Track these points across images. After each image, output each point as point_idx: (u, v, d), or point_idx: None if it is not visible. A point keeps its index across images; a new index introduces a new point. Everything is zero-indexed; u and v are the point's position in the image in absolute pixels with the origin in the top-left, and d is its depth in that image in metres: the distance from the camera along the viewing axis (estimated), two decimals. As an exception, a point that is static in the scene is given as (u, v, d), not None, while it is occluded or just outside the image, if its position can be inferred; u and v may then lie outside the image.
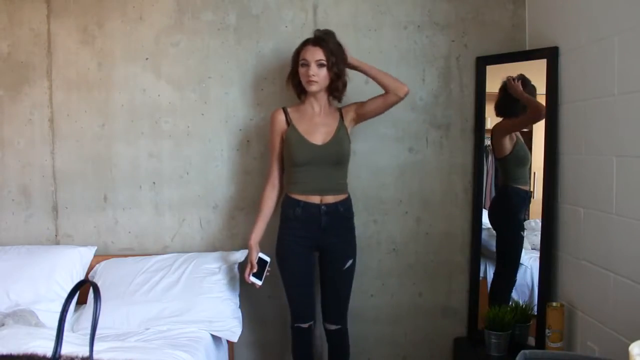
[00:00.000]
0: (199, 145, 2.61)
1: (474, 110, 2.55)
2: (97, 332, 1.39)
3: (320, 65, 2.15)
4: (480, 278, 2.55)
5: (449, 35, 2.54)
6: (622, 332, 1.79)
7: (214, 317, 2.29)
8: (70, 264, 2.45)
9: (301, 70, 2.20)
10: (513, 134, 2.45)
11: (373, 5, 2.55)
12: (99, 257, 2.57)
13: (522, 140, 2.43)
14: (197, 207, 2.63)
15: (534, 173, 2.35)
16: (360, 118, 2.30)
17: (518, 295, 2.44)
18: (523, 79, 2.36)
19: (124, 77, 2.60)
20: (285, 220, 2.26)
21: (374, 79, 2.24)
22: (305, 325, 2.29)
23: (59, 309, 1.38)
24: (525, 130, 2.43)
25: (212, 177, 2.62)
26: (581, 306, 2.08)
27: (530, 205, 2.42)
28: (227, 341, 2.41)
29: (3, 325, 2.04)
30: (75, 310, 2.42)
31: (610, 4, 1.86)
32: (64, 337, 1.39)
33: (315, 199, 2.21)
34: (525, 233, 2.44)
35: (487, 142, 2.53)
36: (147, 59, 2.59)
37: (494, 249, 2.54)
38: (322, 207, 2.20)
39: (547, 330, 2.15)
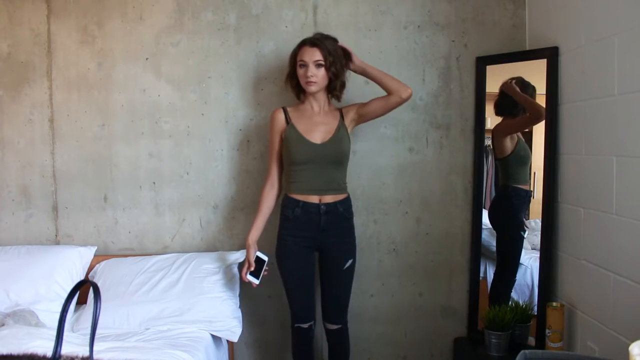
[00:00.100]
0: (199, 145, 2.61)
1: (474, 110, 2.56)
2: (97, 332, 1.40)
3: (319, 66, 2.16)
4: (480, 278, 2.55)
5: (449, 35, 2.54)
6: (622, 332, 1.79)
7: (214, 317, 2.29)
8: (70, 264, 2.46)
9: (299, 71, 2.20)
10: (514, 134, 2.45)
11: (373, 5, 2.55)
12: (99, 257, 2.57)
13: (523, 140, 2.43)
14: (197, 207, 2.63)
15: (534, 173, 2.35)
16: (361, 119, 2.30)
17: (518, 295, 2.44)
18: (522, 81, 2.36)
19: (124, 77, 2.60)
20: (285, 220, 2.26)
21: (378, 81, 2.24)
22: (306, 326, 2.29)
23: (59, 309, 1.38)
24: (525, 130, 2.43)
25: (212, 177, 2.62)
26: (581, 306, 2.08)
27: (530, 205, 2.42)
28: (227, 341, 2.41)
29: (3, 325, 2.04)
30: (75, 310, 2.42)
31: (610, 4, 1.86)
32: (64, 337, 1.39)
33: (314, 199, 2.21)
34: (526, 233, 2.44)
35: (487, 142, 2.53)
36: (147, 59, 2.59)
37: (494, 249, 2.54)
38: (322, 206, 2.20)
39: (547, 330, 2.15)
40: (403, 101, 2.22)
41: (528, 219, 2.45)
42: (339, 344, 2.34)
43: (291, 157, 2.21)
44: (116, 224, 2.65)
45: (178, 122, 2.61)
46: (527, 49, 2.50)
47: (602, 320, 1.92)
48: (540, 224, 2.29)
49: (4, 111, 2.64)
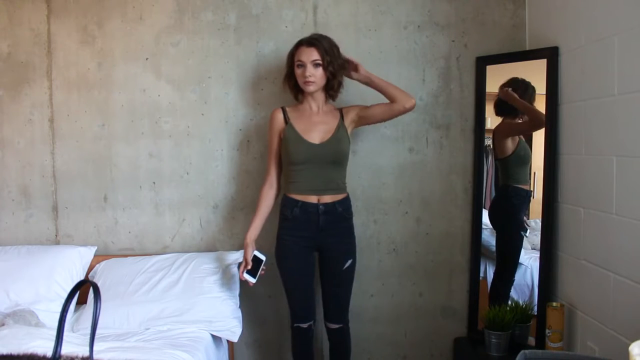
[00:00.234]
0: (199, 145, 2.61)
1: (474, 110, 2.56)
2: (97, 332, 1.40)
3: (316, 65, 2.16)
4: (480, 278, 2.55)
5: (449, 35, 2.54)
6: (622, 332, 1.79)
7: (213, 317, 2.29)
8: (70, 264, 2.46)
9: (297, 71, 2.20)
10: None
11: (373, 5, 2.55)
12: (99, 257, 2.57)
13: (524, 140, 2.43)
14: (197, 207, 2.63)
15: (534, 173, 2.35)
16: (362, 121, 2.30)
17: (518, 295, 2.44)
18: (523, 84, 2.35)
19: (124, 77, 2.60)
20: (284, 220, 2.26)
21: (383, 90, 2.24)
22: (305, 325, 2.29)
23: (59, 309, 1.38)
24: (526, 134, 2.43)
25: (212, 177, 2.62)
26: (581, 306, 2.08)
27: (530, 205, 2.42)
28: (227, 341, 2.41)
29: (3, 325, 2.04)
30: (75, 310, 2.43)
31: (610, 4, 1.86)
32: (64, 337, 1.39)
33: (312, 199, 2.21)
34: (527, 232, 2.44)
35: (487, 142, 2.53)
36: (147, 59, 2.59)
37: (494, 248, 2.54)
38: (320, 206, 2.20)
39: (547, 330, 2.15)
40: (406, 111, 2.22)
41: (528, 219, 2.45)
42: (340, 343, 2.34)
43: (290, 157, 2.21)
44: (116, 224, 2.65)
45: (178, 122, 2.61)
46: (527, 49, 2.50)
47: (602, 320, 1.92)
48: (540, 224, 2.29)
49: (4, 111, 2.64)
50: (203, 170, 2.62)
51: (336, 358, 2.35)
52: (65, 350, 1.44)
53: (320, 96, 2.25)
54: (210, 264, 2.44)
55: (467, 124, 2.57)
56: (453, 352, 2.61)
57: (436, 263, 2.62)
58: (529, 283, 2.42)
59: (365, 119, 2.29)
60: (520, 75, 2.38)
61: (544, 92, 2.27)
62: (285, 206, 2.25)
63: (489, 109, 2.50)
